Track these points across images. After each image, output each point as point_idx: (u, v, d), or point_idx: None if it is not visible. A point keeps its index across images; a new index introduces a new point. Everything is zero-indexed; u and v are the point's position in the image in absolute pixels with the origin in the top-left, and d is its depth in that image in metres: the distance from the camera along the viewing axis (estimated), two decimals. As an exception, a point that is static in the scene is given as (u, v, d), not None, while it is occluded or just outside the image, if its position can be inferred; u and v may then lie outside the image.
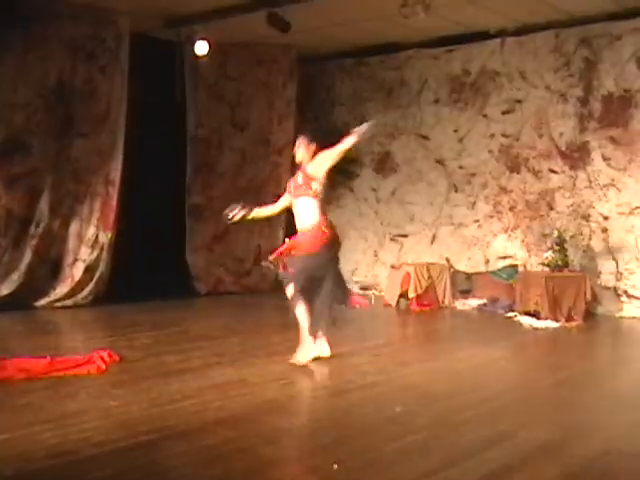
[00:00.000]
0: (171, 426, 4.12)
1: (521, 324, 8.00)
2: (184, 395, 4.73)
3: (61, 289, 8.61)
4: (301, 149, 5.90)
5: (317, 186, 5.74)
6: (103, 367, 5.38)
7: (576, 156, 8.84)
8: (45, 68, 8.24)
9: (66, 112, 8.45)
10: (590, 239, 8.73)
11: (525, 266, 9.09)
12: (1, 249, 8.21)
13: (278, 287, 10.35)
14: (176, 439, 3.94)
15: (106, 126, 8.69)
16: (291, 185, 5.95)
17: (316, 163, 5.77)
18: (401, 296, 9.09)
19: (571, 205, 8.87)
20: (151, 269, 8.85)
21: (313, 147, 5.85)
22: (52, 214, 8.48)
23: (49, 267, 8.60)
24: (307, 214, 5.75)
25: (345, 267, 10.70)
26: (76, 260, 8.70)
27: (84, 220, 8.70)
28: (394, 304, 9.10)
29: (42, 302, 8.46)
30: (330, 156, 5.71)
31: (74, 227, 8.68)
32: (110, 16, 8.59)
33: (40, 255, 8.43)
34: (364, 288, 10.48)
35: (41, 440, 3.83)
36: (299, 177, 5.86)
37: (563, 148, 8.93)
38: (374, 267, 10.54)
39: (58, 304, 8.51)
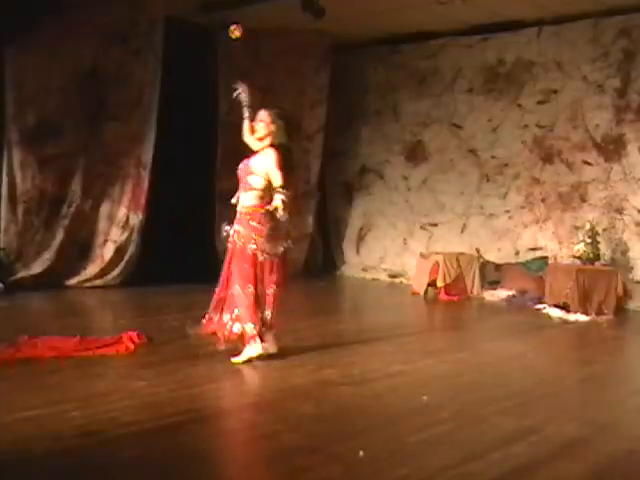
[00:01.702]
0: (197, 409, 4.15)
1: (550, 317, 7.92)
2: (211, 378, 4.76)
3: (91, 269, 8.71)
4: (262, 125, 5.31)
5: (257, 180, 5.26)
6: (132, 348, 5.44)
7: (611, 148, 8.70)
8: (79, 52, 8.29)
9: (99, 96, 8.51)
10: (623, 233, 8.60)
11: (555, 258, 9.00)
12: (33, 228, 8.33)
13: (305, 273, 10.51)
14: (202, 422, 3.97)
15: (138, 110, 8.74)
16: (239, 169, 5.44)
17: (264, 163, 5.23)
18: (429, 285, 9.05)
19: (604, 198, 8.73)
20: (180, 252, 8.90)
21: (276, 126, 5.28)
22: (84, 195, 8.58)
23: (80, 247, 8.71)
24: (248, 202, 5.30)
25: (374, 255, 10.79)
26: (106, 241, 8.80)
27: (115, 201, 8.79)
28: (422, 293, 9.06)
29: (72, 281, 8.58)
30: (271, 172, 5.19)
31: (105, 208, 8.77)
32: (144, 1, 8.61)
33: (71, 235, 8.54)
34: (392, 276, 10.46)
35: (69, 419, 3.89)
36: (244, 161, 5.38)
37: (598, 140, 8.79)
38: (403, 255, 10.50)
39: (88, 284, 8.62)
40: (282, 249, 5.46)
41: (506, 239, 9.54)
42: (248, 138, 5.52)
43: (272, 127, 5.27)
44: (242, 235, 5.26)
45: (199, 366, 5.04)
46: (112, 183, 8.76)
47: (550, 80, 9.16)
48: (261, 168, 5.23)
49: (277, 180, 5.15)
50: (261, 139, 5.35)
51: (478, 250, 9.51)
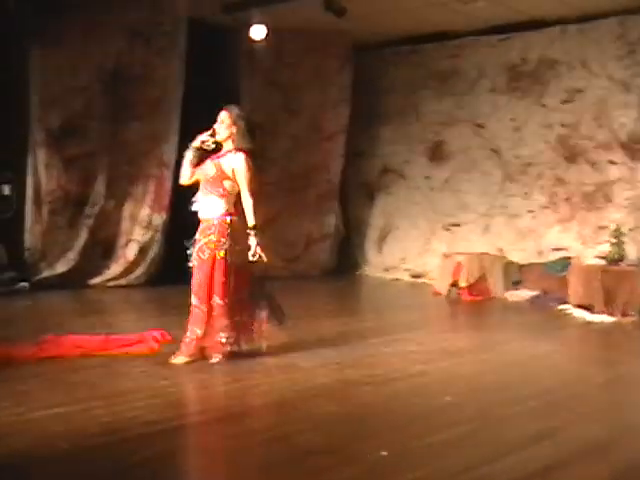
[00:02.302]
0: (219, 408, 4.17)
1: (574, 317, 7.86)
2: (233, 378, 4.78)
3: (114, 269, 8.78)
4: (223, 127, 5.10)
5: (229, 185, 5.08)
6: (156, 347, 5.47)
7: (637, 147, 8.60)
8: (104, 53, 8.38)
9: (123, 96, 8.58)
10: (648, 233, 8.51)
11: (579, 259, 8.91)
12: (58, 228, 8.42)
13: (328, 273, 10.51)
14: (224, 421, 3.99)
15: (162, 110, 8.80)
16: (201, 170, 5.18)
17: (234, 165, 5.06)
18: (452, 285, 9.02)
19: (630, 198, 8.65)
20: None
21: (238, 128, 5.07)
22: (107, 195, 8.65)
23: (103, 247, 8.78)
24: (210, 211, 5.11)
25: (396, 255, 10.77)
26: (130, 241, 8.86)
27: (138, 201, 8.85)
28: (444, 293, 9.03)
29: (96, 281, 8.65)
30: (241, 180, 5.06)
31: (128, 208, 8.83)
32: (168, 1, 8.67)
33: (95, 235, 8.62)
34: (414, 276, 10.43)
35: (94, 416, 3.92)
36: (210, 165, 5.11)
37: (624, 139, 8.71)
38: (425, 255, 10.46)
39: (111, 283, 8.69)
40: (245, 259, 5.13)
41: (529, 239, 9.48)
42: (186, 181, 5.31)
43: (234, 129, 5.08)
44: (218, 245, 5.04)
45: (222, 365, 5.06)
46: (135, 183, 8.83)
47: (575, 79, 9.09)
48: (232, 173, 5.07)
49: (247, 189, 5.06)
50: (223, 141, 5.14)
51: (501, 250, 9.45)
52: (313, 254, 10.64)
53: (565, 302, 8.31)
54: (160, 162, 8.84)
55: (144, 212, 8.86)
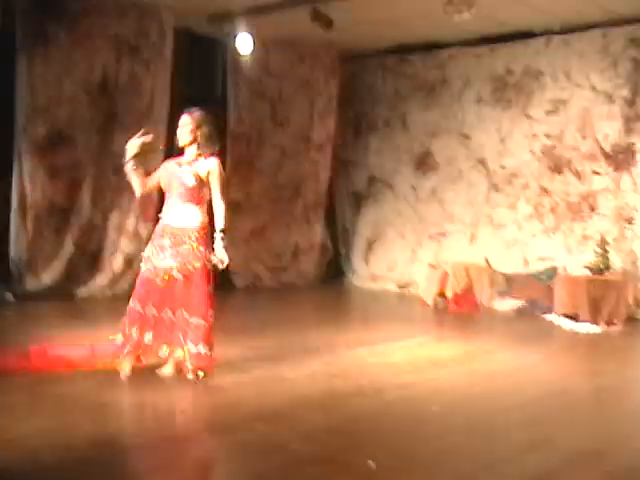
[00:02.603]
0: (209, 420, 4.16)
1: (560, 327, 7.89)
2: (221, 389, 4.75)
3: (101, 279, 8.72)
4: (186, 130, 4.89)
5: (206, 193, 4.92)
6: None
7: (621, 158, 8.69)
8: (90, 63, 8.34)
9: (109, 106, 8.55)
10: (633, 242, 8.57)
11: (565, 268, 8.96)
12: (43, 238, 8.35)
13: (315, 284, 10.50)
14: (213, 433, 3.97)
15: (149, 120, 8.76)
16: (171, 178, 4.96)
17: (209, 169, 4.89)
18: (439, 295, 9.03)
19: (614, 208, 8.72)
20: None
21: (202, 132, 4.88)
22: (93, 205, 8.60)
23: (89, 257, 8.72)
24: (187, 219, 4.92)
25: (382, 265, 10.78)
26: (116, 251, 8.81)
27: (124, 212, 8.81)
28: (431, 303, 9.04)
29: (82, 291, 8.58)
30: (214, 184, 4.89)
31: (114, 218, 8.79)
32: (154, 12, 8.67)
33: (80, 245, 8.56)
34: (401, 286, 10.44)
35: (81, 429, 3.88)
36: (187, 174, 4.89)
37: (608, 150, 8.79)
38: (412, 265, 10.48)
39: (98, 294, 8.63)
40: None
41: (515, 249, 9.53)
42: (141, 192, 5.09)
43: (198, 132, 4.87)
44: (203, 255, 4.87)
45: (211, 377, 5.03)
46: (121, 193, 8.77)
47: (559, 90, 9.17)
48: (206, 178, 4.90)
49: (220, 193, 4.89)
50: (186, 146, 4.93)
51: (487, 260, 9.50)
52: (300, 264, 10.64)
53: (551, 311, 8.35)
54: (146, 172, 8.79)
55: (130, 222, 8.82)
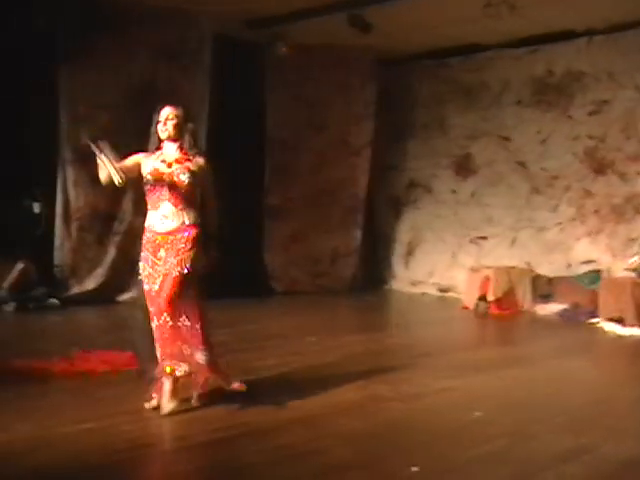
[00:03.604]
0: (248, 423, 4.16)
1: (604, 331, 7.76)
2: (261, 392, 4.76)
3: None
4: (170, 125, 4.48)
5: (198, 192, 4.52)
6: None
7: (666, 159, 8.52)
8: (130, 70, 8.47)
9: (150, 112, 8.64)
10: (679, 245, 8.39)
11: (609, 271, 8.80)
12: (86, 245, 8.50)
13: (354, 288, 10.49)
14: (253, 436, 3.98)
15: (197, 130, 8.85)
16: (159, 177, 4.50)
17: (200, 168, 4.50)
18: (480, 299, 8.94)
19: (659, 209, 8.55)
20: (229, 267, 8.95)
21: (190, 128, 4.52)
22: (135, 212, 8.70)
23: (131, 263, 8.81)
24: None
25: (423, 269, 10.72)
26: (157, 257, 8.90)
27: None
28: (472, 307, 8.96)
29: (124, 297, 8.70)
30: (208, 184, 4.55)
31: (156, 225, 8.88)
32: (193, 18, 8.76)
33: (123, 251, 8.67)
34: (442, 290, 10.38)
35: (123, 432, 3.93)
36: (178, 173, 4.44)
37: (652, 150, 8.62)
38: (452, 269, 10.40)
39: (140, 299, 8.73)
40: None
41: (557, 252, 9.38)
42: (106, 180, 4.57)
43: (185, 128, 4.50)
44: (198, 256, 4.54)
45: (249, 380, 5.04)
46: (163, 199, 8.87)
47: (601, 90, 9.02)
48: (199, 178, 4.50)
49: (212, 193, 4.59)
50: (167, 141, 4.54)
51: (529, 264, 9.38)
52: (339, 269, 10.63)
53: (595, 316, 8.21)
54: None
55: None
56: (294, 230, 10.11)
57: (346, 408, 4.57)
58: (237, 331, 7.01)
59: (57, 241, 8.35)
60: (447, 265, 10.47)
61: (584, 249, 9.17)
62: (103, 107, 8.32)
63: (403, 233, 11.01)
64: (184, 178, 4.42)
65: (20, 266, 7.87)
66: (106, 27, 8.15)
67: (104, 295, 8.45)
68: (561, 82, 9.36)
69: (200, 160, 4.54)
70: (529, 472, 3.57)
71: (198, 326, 4.52)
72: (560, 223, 9.38)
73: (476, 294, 8.95)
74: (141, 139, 8.68)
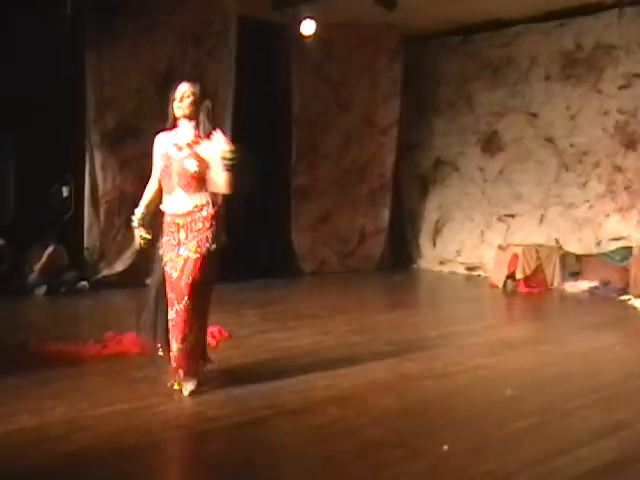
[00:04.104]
0: (280, 403, 4.19)
1: (636, 308, 7.68)
2: (292, 373, 4.79)
3: (171, 267, 8.88)
4: (187, 102, 4.29)
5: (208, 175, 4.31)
6: (213, 343, 5.51)
7: (699, 132, 8.36)
8: (156, 54, 8.47)
9: (176, 96, 8.67)
10: None
11: (640, 248, 8.70)
12: (115, 228, 8.56)
13: (382, 267, 10.48)
14: (285, 417, 4.01)
15: (214, 109, 8.85)
16: (169, 162, 4.38)
17: (210, 150, 4.24)
18: (508, 277, 8.89)
19: (692, 184, 8.41)
20: (258, 248, 8.99)
21: (207, 109, 4.31)
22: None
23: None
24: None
25: (451, 247, 10.67)
26: (185, 239, 8.95)
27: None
28: (501, 285, 8.91)
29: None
30: (215, 163, 4.22)
31: (183, 207, 8.92)
32: (218, 0, 8.74)
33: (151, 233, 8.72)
34: (470, 268, 10.33)
35: (157, 412, 3.98)
36: (190, 162, 4.29)
37: (684, 124, 8.46)
38: (480, 247, 10.34)
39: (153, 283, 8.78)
40: None
41: (587, 229, 9.28)
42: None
43: (202, 108, 4.32)
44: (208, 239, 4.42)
45: (280, 362, 5.09)
46: (189, 182, 8.91)
47: (632, 63, 8.84)
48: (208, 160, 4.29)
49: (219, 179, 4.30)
50: (183, 119, 4.37)
51: (557, 241, 9.29)
52: (367, 248, 10.62)
53: (626, 293, 8.13)
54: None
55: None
56: (322, 210, 10.10)
57: (377, 387, 4.59)
58: (267, 312, 7.05)
59: (86, 224, 8.42)
60: (475, 243, 10.41)
61: (614, 226, 9.05)
62: (130, 91, 8.36)
63: (431, 212, 10.96)
64: (190, 166, 4.28)
65: (50, 250, 7.95)
66: (132, 11, 8.16)
67: (133, 278, 8.51)
68: (590, 56, 9.20)
69: (220, 138, 4.21)
70: (564, 449, 3.56)
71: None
72: (589, 200, 9.27)
73: (504, 272, 8.90)
74: (167, 123, 8.74)
